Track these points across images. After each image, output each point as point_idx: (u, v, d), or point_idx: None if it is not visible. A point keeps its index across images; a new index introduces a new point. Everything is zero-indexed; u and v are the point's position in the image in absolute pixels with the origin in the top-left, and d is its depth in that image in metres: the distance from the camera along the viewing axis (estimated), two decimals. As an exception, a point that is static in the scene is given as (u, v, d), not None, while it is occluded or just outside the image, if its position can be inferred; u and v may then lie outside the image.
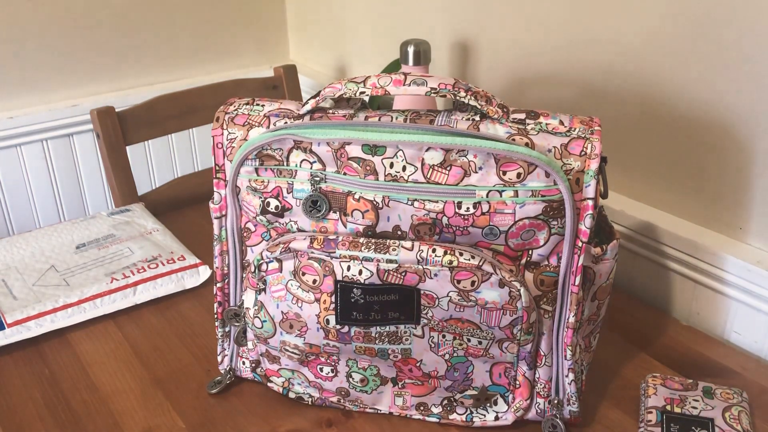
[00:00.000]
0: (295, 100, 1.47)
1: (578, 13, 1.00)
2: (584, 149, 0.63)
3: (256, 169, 0.69)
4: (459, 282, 0.64)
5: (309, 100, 0.69)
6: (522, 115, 0.66)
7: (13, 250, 1.01)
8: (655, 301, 0.97)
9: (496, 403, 0.72)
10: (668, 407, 0.71)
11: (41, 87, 1.51)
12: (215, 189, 0.72)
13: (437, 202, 0.64)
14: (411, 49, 1.00)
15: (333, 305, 0.68)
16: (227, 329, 0.77)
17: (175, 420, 0.74)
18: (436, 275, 0.64)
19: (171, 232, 1.08)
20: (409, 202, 0.65)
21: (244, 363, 0.77)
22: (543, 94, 1.09)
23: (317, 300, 0.68)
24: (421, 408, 0.73)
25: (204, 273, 0.98)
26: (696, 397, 0.72)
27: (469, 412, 0.72)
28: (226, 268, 0.74)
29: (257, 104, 0.72)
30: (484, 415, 0.72)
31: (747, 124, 0.84)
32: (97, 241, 1.03)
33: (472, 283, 0.64)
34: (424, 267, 0.64)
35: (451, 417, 0.73)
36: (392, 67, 1.32)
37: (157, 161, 1.67)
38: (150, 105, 1.34)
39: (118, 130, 1.28)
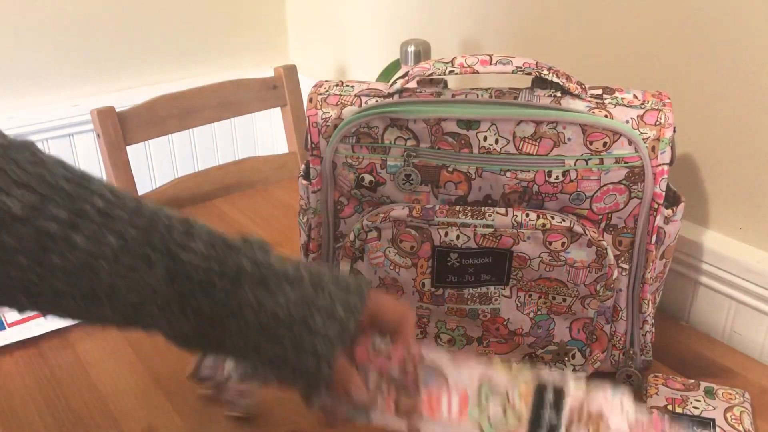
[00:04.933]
0: (295, 100, 1.51)
1: (581, 14, 1.03)
2: (658, 119, 0.71)
3: (353, 146, 0.73)
4: (551, 243, 0.70)
5: (397, 79, 0.74)
6: (599, 91, 0.73)
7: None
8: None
9: (573, 357, 0.78)
10: (670, 407, 0.72)
11: (41, 87, 1.51)
12: (311, 166, 0.76)
13: (528, 171, 0.71)
14: (411, 49, 1.05)
15: (429, 269, 0.73)
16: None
17: (175, 420, 0.75)
18: (529, 238, 0.70)
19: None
20: (502, 173, 0.71)
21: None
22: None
23: (414, 265, 0.73)
24: (504, 365, 0.79)
25: None
26: (698, 398, 0.73)
27: (548, 366, 0.78)
28: (320, 239, 0.78)
29: (346, 86, 0.76)
30: (562, 369, 0.78)
31: (747, 124, 0.85)
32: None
33: (563, 243, 0.70)
34: (518, 230, 0.70)
35: (531, 372, 0.79)
36: (392, 67, 1.36)
37: (157, 161, 1.68)
38: (150, 105, 1.35)
39: (118, 130, 1.30)
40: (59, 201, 0.40)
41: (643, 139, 0.70)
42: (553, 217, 0.70)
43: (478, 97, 0.73)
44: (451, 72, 0.72)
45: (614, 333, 0.77)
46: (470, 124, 0.71)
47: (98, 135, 1.28)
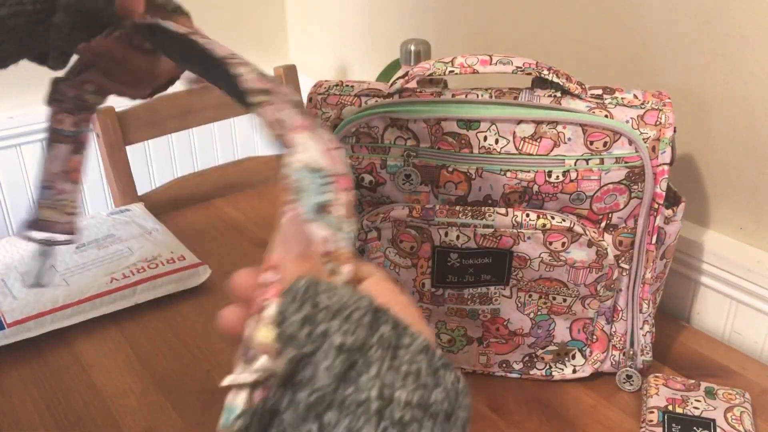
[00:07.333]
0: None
1: (581, 14, 1.03)
2: (659, 119, 0.71)
3: (352, 146, 0.73)
4: (551, 243, 0.70)
5: (397, 79, 0.74)
6: (599, 91, 0.73)
7: (13, 250, 1.00)
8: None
9: (573, 357, 0.78)
10: (670, 407, 0.72)
11: (41, 87, 1.50)
12: (311, 165, 0.76)
13: (529, 171, 0.70)
14: (411, 49, 1.05)
15: (429, 269, 0.73)
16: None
17: (175, 420, 0.75)
18: (529, 238, 0.70)
19: (171, 232, 1.08)
20: (502, 173, 0.71)
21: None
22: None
23: (414, 265, 0.73)
24: (504, 365, 0.79)
25: (204, 273, 0.97)
26: (698, 398, 0.73)
27: (548, 366, 0.78)
28: (320, 240, 0.78)
29: (346, 86, 0.76)
30: (563, 369, 0.78)
31: (748, 124, 0.84)
32: (96, 241, 1.03)
33: (563, 244, 0.70)
34: (519, 231, 0.70)
35: (531, 372, 0.79)
36: (392, 67, 1.36)
37: (157, 161, 1.68)
38: (150, 105, 1.35)
39: (118, 130, 1.30)
40: None
41: (644, 139, 0.70)
42: (553, 217, 0.70)
43: (478, 97, 0.72)
44: (451, 72, 0.72)
45: (614, 333, 0.77)
46: (470, 124, 0.71)
47: (98, 135, 1.28)
